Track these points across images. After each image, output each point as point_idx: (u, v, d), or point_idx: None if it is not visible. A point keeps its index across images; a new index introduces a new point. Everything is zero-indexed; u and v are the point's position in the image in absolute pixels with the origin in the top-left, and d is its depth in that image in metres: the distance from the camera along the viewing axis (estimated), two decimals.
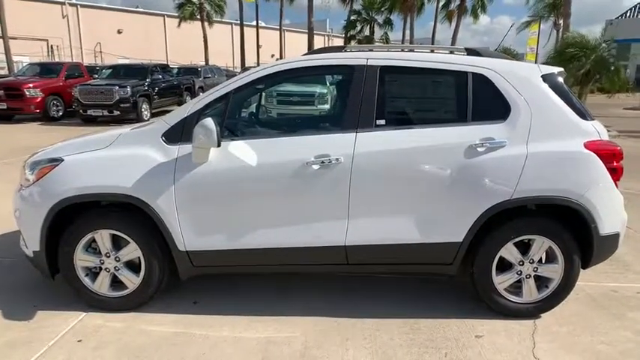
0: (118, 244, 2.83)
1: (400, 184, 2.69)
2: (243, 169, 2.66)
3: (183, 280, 2.93)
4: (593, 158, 2.67)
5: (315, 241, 2.74)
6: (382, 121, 2.71)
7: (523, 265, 2.80)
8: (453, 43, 27.70)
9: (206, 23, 27.04)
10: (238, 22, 30.04)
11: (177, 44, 33.69)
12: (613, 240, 2.78)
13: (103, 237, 2.78)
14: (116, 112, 11.86)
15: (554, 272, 2.80)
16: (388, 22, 30.84)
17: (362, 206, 2.69)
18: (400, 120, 2.75)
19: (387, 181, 2.68)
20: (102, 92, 11.81)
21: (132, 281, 2.85)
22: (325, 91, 12.71)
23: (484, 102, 2.74)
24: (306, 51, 18.50)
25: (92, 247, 2.84)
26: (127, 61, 24.59)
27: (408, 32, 27.44)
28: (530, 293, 2.84)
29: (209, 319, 2.82)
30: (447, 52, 2.98)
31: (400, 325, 2.77)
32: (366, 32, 30.88)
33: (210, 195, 2.69)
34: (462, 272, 2.91)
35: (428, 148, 2.67)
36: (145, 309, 2.90)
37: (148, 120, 12.61)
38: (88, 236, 2.77)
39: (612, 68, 11.68)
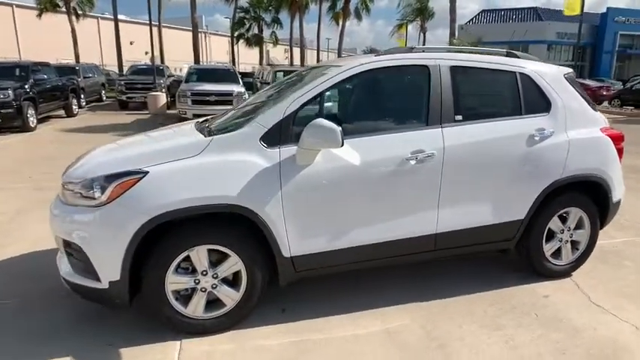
0: (212, 259, 2.60)
1: (479, 172, 3.00)
2: (347, 168, 2.68)
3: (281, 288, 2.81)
4: (609, 141, 3.34)
5: (412, 233, 2.90)
6: (459, 117, 2.98)
7: (563, 233, 3.36)
8: (340, 44, 29.32)
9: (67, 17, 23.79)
10: (105, 15, 27.26)
11: (32, 39, 28.95)
12: (618, 205, 3.51)
13: (200, 254, 2.53)
14: None
15: (583, 236, 3.42)
16: (276, 21, 31.12)
17: (450, 195, 2.93)
18: (472, 115, 3.04)
19: (470, 170, 2.97)
20: None
21: (231, 298, 2.65)
22: (243, 90, 12.51)
23: (531, 98, 3.21)
24: (192, 48, 17.64)
25: (182, 268, 2.56)
26: None
27: (295, 32, 28.12)
28: (567, 256, 3.42)
29: (313, 324, 2.77)
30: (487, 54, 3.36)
31: (481, 300, 3.09)
32: (255, 31, 30.69)
33: (316, 197, 2.65)
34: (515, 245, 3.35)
35: (499, 139, 3.03)
36: (237, 326, 2.72)
37: (35, 128, 10.86)
38: (183, 255, 2.50)
39: None
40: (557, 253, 3.41)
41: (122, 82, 16.06)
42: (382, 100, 3.06)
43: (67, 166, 2.97)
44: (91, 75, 17.57)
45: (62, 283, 2.66)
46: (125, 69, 22.69)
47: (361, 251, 2.83)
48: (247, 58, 38.77)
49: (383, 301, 3.05)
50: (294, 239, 2.64)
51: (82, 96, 15.83)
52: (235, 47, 31.05)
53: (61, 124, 12.05)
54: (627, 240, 4.17)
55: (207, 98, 11.67)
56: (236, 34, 28.78)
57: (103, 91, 18.61)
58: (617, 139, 3.40)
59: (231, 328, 2.68)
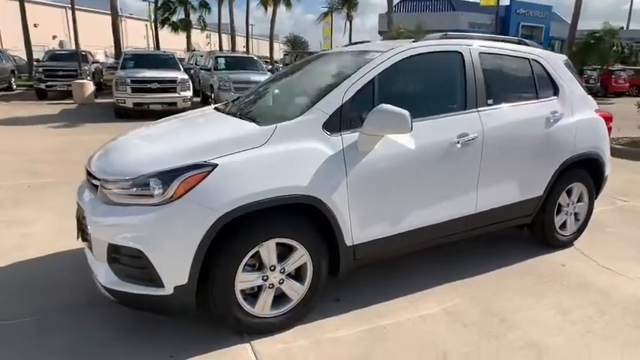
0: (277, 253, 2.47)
1: (509, 153, 3.17)
2: (405, 152, 2.68)
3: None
4: (603, 122, 3.70)
5: (457, 213, 3.00)
6: (491, 100, 3.12)
7: (569, 206, 3.68)
8: (271, 30, 28.68)
9: None
10: None
11: None
12: (607, 179, 3.92)
13: (270, 248, 2.39)
14: None
15: (583, 208, 3.78)
16: (204, 6, 29.48)
17: (486, 177, 3.06)
18: (499, 99, 3.18)
19: (502, 151, 3.12)
20: None
21: (297, 292, 2.55)
22: (186, 77, 11.86)
23: (543, 82, 3.45)
24: (106, 32, 16.42)
25: (248, 265, 2.40)
26: None
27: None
28: (571, 227, 3.76)
29: (374, 310, 2.77)
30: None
31: (510, 274, 3.29)
32: (181, 15, 28.81)
33: (377, 183, 2.62)
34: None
35: (524, 122, 3.23)
36: (298, 322, 2.62)
37: None
38: (253, 251, 2.35)
39: None
40: (563, 225, 3.73)
41: (40, 69, 14.32)
42: (424, 84, 3.09)
43: (90, 161, 2.64)
44: None
45: (102, 293, 2.37)
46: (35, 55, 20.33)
47: (415, 234, 2.86)
48: (168, 44, 36.60)
49: (424, 283, 3.11)
50: (356, 227, 2.60)
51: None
52: (153, 32, 28.94)
53: None
54: (604, 209, 4.67)
55: (149, 86, 10.85)
56: (160, 18, 26.81)
57: (13, 79, 16.46)
58: (608, 120, 3.78)
59: (295, 324, 2.59)
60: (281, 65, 25.15)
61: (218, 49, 29.76)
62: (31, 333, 2.48)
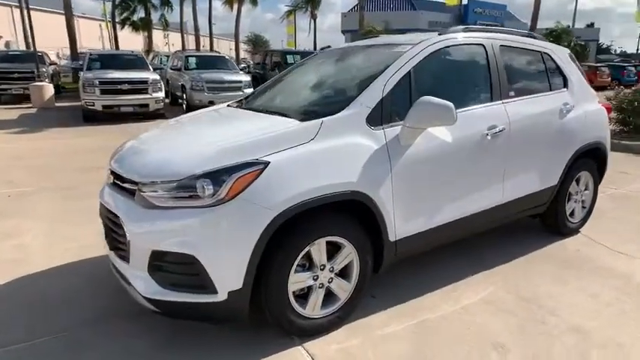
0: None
1: (531, 144, 3.24)
2: (443, 145, 2.68)
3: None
4: (605, 112, 3.86)
5: (487, 204, 3.03)
6: (512, 92, 3.18)
7: (577, 195, 3.82)
8: (237, 29, 28.14)
9: None
10: None
11: None
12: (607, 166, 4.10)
13: (321, 247, 2.32)
14: None
15: (589, 196, 3.94)
16: (166, 4, 28.40)
17: (511, 167, 3.12)
18: (519, 91, 3.24)
19: (525, 142, 3.19)
20: None
21: (345, 290, 2.49)
22: (158, 77, 11.45)
23: (554, 75, 3.56)
24: (63, 32, 15.65)
25: (299, 265, 2.31)
26: None
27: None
28: (579, 214, 3.90)
29: (416, 304, 2.76)
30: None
31: (532, 261, 3.37)
32: (141, 14, 27.62)
33: (419, 176, 2.61)
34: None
35: (543, 113, 3.32)
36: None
37: None
38: (305, 250, 2.27)
39: None
40: (572, 213, 3.86)
41: None
42: (454, 77, 3.09)
43: (115, 163, 2.48)
44: None
45: (142, 304, 2.21)
46: None
47: (451, 227, 2.87)
48: (126, 45, 35.28)
49: (454, 275, 3.12)
50: (399, 222, 2.57)
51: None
52: (107, 32, 27.47)
53: None
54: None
55: (119, 87, 10.39)
56: (120, 18, 25.56)
57: None
58: (609, 110, 3.96)
59: (342, 323, 2.53)
60: (243, 65, 24.76)
61: (180, 48, 28.94)
62: (63, 350, 2.29)
